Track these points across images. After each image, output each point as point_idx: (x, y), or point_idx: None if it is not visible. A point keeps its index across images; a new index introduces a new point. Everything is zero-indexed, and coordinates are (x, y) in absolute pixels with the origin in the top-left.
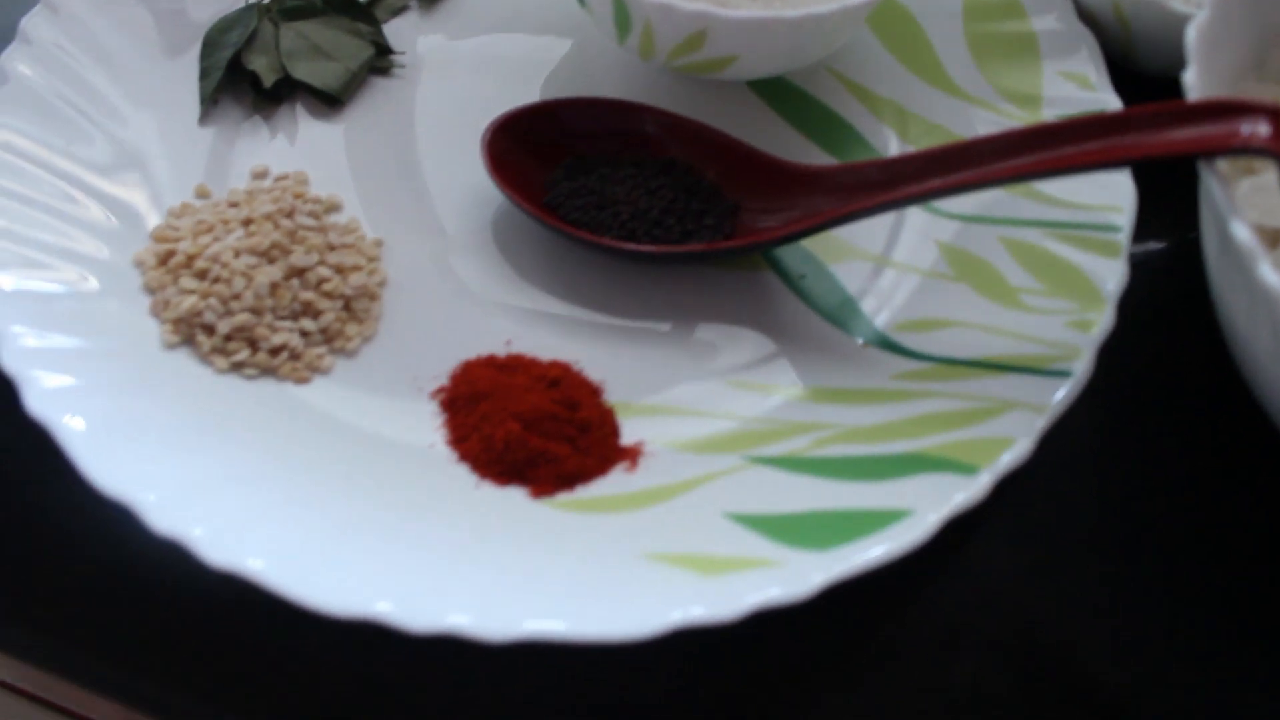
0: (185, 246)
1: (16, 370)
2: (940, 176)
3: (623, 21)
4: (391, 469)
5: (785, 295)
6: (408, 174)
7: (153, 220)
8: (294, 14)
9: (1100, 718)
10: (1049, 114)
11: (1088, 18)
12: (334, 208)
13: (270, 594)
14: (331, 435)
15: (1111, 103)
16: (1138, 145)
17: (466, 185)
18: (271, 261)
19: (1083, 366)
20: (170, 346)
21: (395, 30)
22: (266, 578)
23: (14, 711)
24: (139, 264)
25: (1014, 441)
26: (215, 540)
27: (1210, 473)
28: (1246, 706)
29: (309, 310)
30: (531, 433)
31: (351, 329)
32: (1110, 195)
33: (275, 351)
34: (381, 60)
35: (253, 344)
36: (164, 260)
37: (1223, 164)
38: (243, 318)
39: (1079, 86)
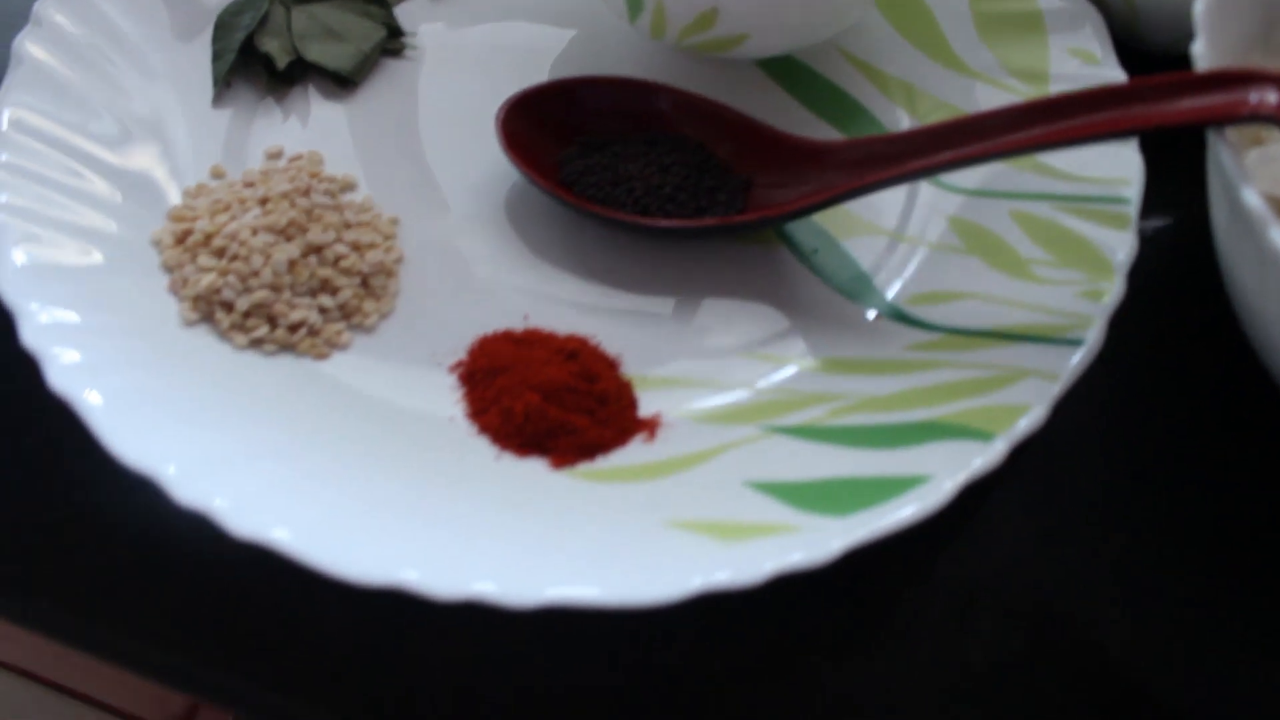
0: (203, 225)
1: (37, 347)
2: (951, 149)
3: (635, 0)
4: (412, 441)
5: (798, 270)
6: (420, 154)
7: (168, 200)
8: None
9: (1116, 685)
10: (1056, 90)
11: None
12: (349, 187)
13: (294, 564)
14: (352, 409)
15: (1117, 78)
16: (1148, 115)
17: (479, 165)
18: (289, 239)
19: (1095, 335)
20: (189, 324)
21: (406, 12)
22: (291, 547)
23: (27, 698)
24: (156, 243)
25: (1029, 408)
26: (238, 511)
27: (1220, 441)
28: (1261, 674)
29: (327, 287)
30: (551, 404)
31: (369, 306)
32: (1118, 168)
33: (294, 328)
34: (393, 42)
35: (271, 320)
36: (181, 239)
37: (1231, 134)
38: (261, 294)
39: (1085, 62)
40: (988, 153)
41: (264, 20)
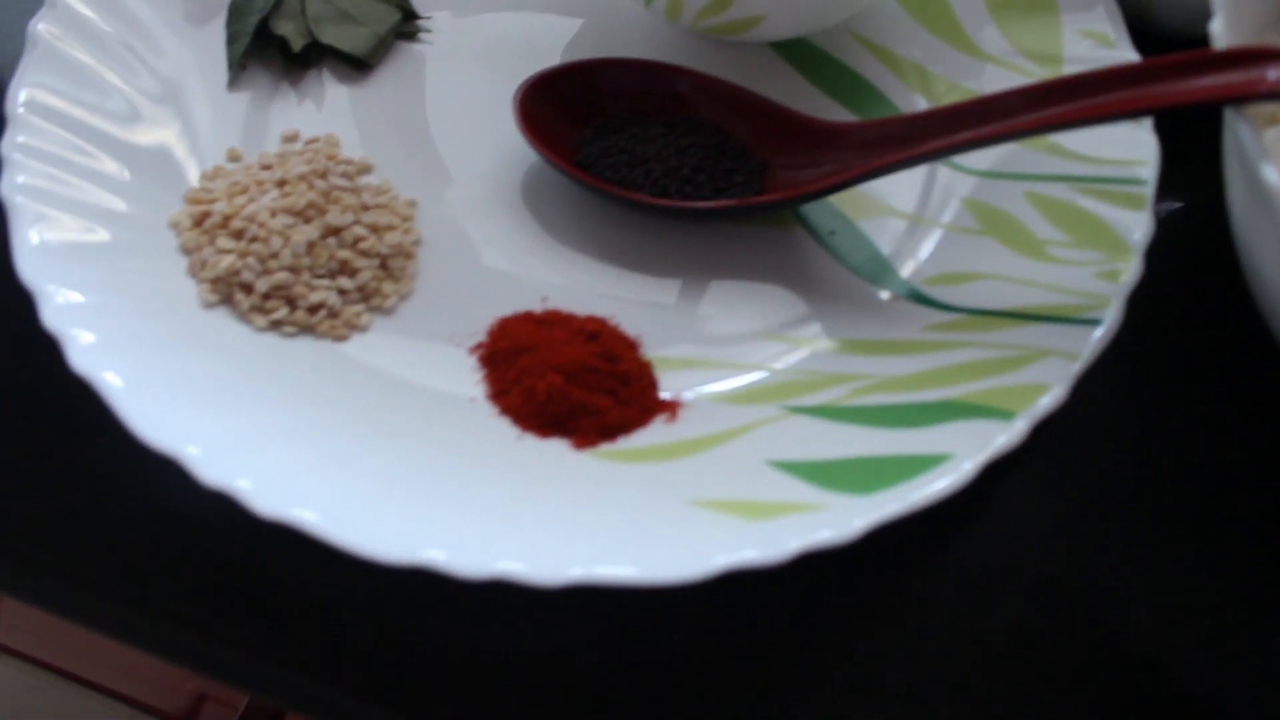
0: (221, 207)
1: (58, 328)
2: (969, 129)
3: None
4: (433, 422)
5: (815, 251)
6: (435, 136)
7: (185, 182)
8: None
9: (1136, 663)
10: (1070, 72)
11: None
12: (366, 169)
13: (316, 543)
14: (372, 390)
15: (1131, 59)
16: (1167, 93)
17: (494, 147)
18: (307, 221)
19: (1113, 314)
20: (208, 306)
21: None
22: (317, 527)
23: (37, 684)
24: (174, 225)
25: (1049, 387)
26: (263, 491)
27: (1236, 421)
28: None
29: (346, 269)
30: (573, 385)
31: (388, 287)
32: (1133, 150)
33: (313, 310)
34: (407, 25)
35: (291, 302)
36: (199, 221)
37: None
38: (281, 276)
39: (1098, 44)
40: (1007, 131)
41: (278, 3)
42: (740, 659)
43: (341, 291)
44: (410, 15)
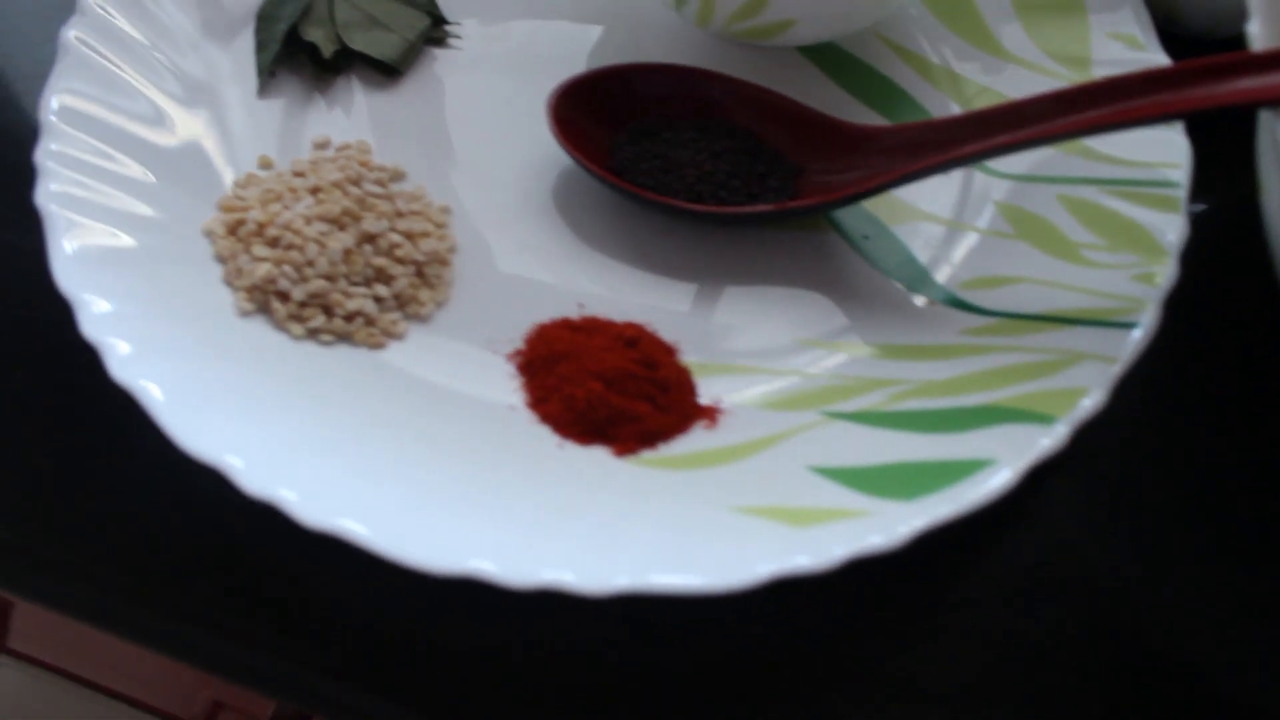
0: (255, 215)
1: (97, 337)
2: (1003, 133)
3: None
4: (473, 430)
5: (849, 256)
6: (465, 142)
7: (218, 189)
8: None
9: (1175, 668)
10: (1099, 74)
11: None
12: (399, 176)
13: (365, 553)
14: (412, 398)
15: (1161, 62)
16: (1207, 95)
17: (525, 153)
18: (343, 228)
19: (1150, 317)
20: (245, 314)
21: (446, 0)
22: (364, 537)
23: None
24: (208, 233)
25: (1089, 391)
26: (308, 501)
27: (1272, 422)
28: None
29: (382, 276)
30: (613, 392)
31: (424, 295)
32: (1165, 151)
33: (350, 318)
34: (437, 30)
35: (327, 310)
36: (234, 229)
37: None
38: (317, 284)
39: (1127, 46)
40: (1042, 135)
41: (307, 10)
42: (776, 665)
43: (378, 299)
44: (439, 21)
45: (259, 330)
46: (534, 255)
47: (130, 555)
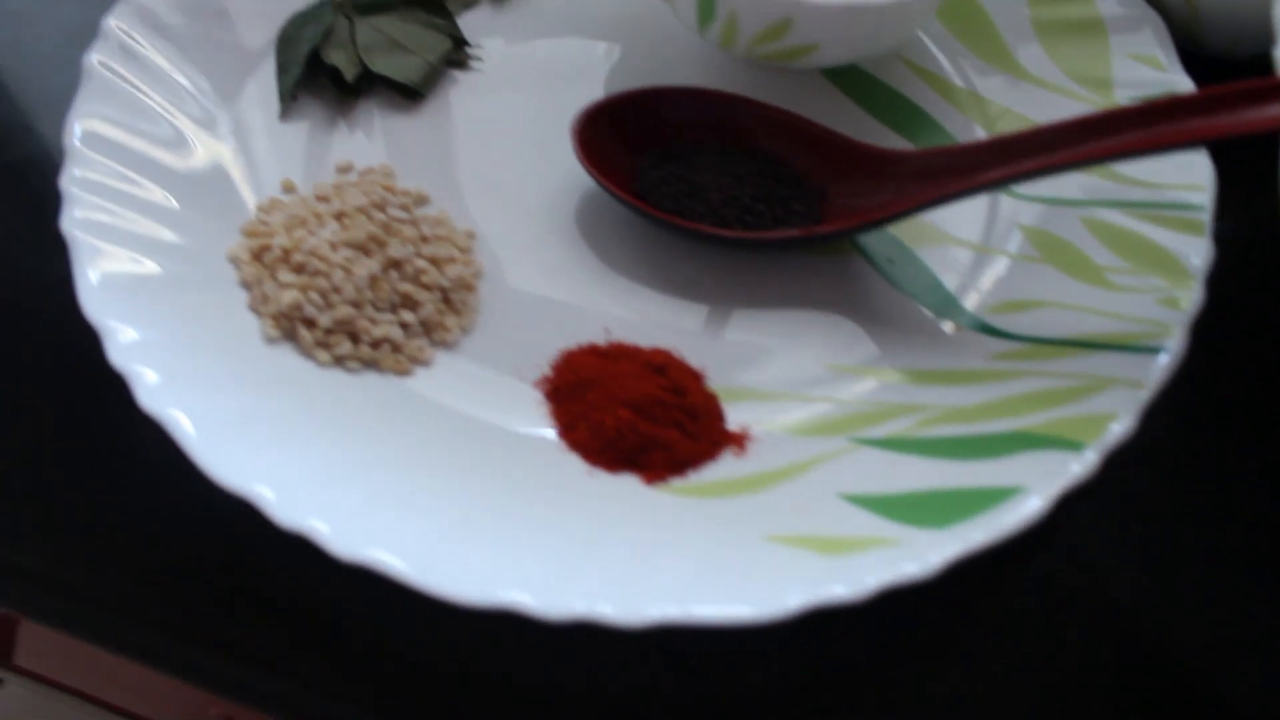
0: (280, 241)
1: (124, 365)
2: (1030, 159)
3: (707, 10)
4: (501, 458)
5: (874, 279)
6: (488, 165)
7: (241, 214)
8: (368, 8)
9: (1205, 694)
10: (1120, 96)
11: None
12: (422, 200)
13: (399, 585)
14: (439, 426)
15: (1183, 83)
16: (1237, 122)
17: (547, 176)
18: (368, 254)
19: (1177, 342)
20: (271, 341)
21: (467, 23)
22: (400, 571)
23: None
24: (233, 259)
25: (1118, 416)
26: (341, 533)
27: None
28: None
29: (408, 302)
30: (643, 419)
31: (450, 321)
32: (1188, 174)
33: (377, 344)
34: (458, 53)
35: (354, 337)
36: (258, 255)
37: None
38: (344, 311)
39: (1149, 68)
40: (1070, 161)
41: (329, 33)
42: (806, 691)
43: (404, 325)
44: (460, 43)
45: (285, 357)
46: (558, 280)
47: (161, 583)
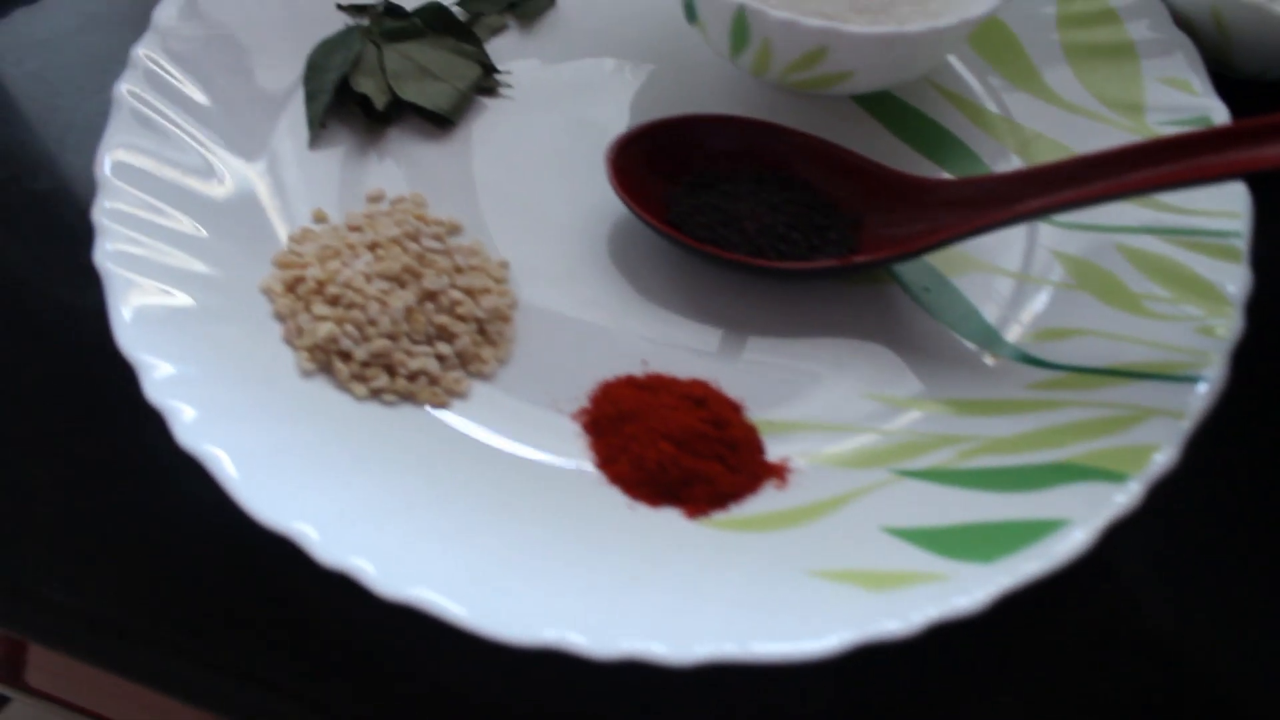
0: (314, 272)
1: (161, 401)
2: (1069, 189)
3: (740, 38)
4: (542, 492)
5: (911, 308)
6: (519, 193)
7: (272, 245)
8: (396, 35)
9: None
10: (1152, 120)
11: (1181, 22)
12: (455, 229)
13: (442, 624)
14: (478, 460)
15: (1215, 108)
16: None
17: (577, 202)
18: (403, 286)
19: (1217, 371)
20: (307, 374)
21: (495, 49)
22: (446, 611)
23: None
24: (266, 291)
25: (1160, 447)
26: (386, 572)
27: None
28: None
29: (443, 334)
30: (684, 453)
31: (486, 352)
32: (1224, 201)
33: (413, 377)
34: (487, 80)
35: (390, 370)
36: (292, 286)
37: None
38: (380, 343)
39: (1182, 92)
40: (1110, 192)
41: (357, 61)
42: None
43: (440, 357)
44: (490, 70)
45: (321, 391)
46: (593, 309)
47: (189, 614)
